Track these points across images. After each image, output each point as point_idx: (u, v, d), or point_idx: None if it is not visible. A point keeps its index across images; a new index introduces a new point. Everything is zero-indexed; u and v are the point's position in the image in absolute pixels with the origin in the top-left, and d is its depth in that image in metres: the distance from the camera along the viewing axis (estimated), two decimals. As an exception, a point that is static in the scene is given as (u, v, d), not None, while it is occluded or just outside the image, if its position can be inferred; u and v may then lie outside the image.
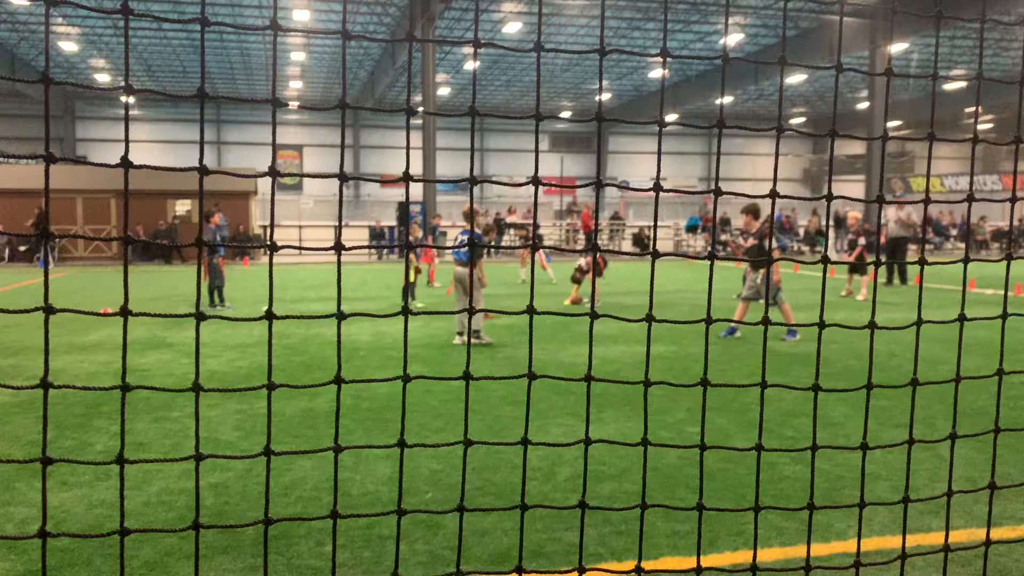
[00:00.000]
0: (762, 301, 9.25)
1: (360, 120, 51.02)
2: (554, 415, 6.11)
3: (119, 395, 6.68)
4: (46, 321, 1.97)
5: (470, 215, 2.08)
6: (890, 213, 17.08)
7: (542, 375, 2.30)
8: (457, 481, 4.51)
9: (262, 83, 46.08)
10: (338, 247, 2.14)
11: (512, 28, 32.92)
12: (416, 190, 31.95)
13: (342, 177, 2.19)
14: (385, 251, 31.87)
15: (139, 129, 47.95)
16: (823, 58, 32.28)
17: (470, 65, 39.76)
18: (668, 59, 2.35)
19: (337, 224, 2.17)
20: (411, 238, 28.57)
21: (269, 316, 2.09)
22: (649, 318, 2.35)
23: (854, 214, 16.32)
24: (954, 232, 36.39)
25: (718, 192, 2.43)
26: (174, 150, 47.60)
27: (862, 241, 14.69)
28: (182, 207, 29.04)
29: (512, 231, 34.36)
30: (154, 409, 6.17)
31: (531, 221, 31.44)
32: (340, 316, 2.14)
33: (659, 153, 2.43)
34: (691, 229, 34.29)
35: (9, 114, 44.90)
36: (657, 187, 2.35)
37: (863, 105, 35.40)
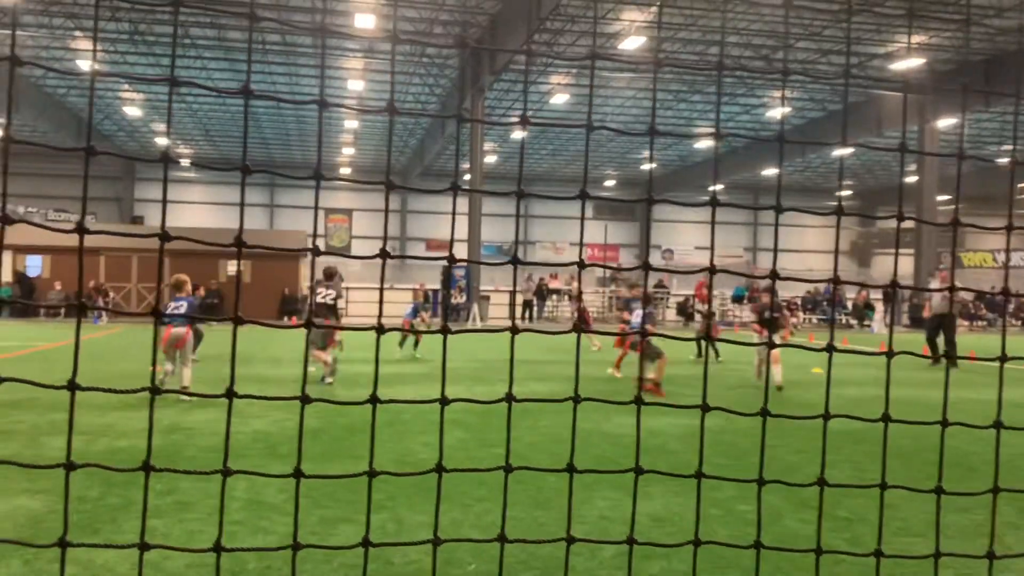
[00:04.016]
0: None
1: (408, 185, 51.95)
2: (598, 488, 6.00)
3: (168, 451, 6.74)
4: (72, 400, 2.00)
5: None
6: (933, 287, 16.60)
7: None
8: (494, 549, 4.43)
9: (315, 149, 47.28)
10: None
11: (559, 100, 33.53)
12: (460, 253, 32.21)
13: (384, 255, 2.22)
14: (429, 313, 32.04)
15: (194, 190, 49.35)
16: (872, 133, 32.23)
17: (517, 135, 40.46)
18: (720, 138, 2.36)
19: (380, 295, 2.19)
20: (452, 302, 28.54)
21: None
22: (703, 406, 2.32)
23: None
24: (1011, 306, 35.52)
25: (714, 271, 2.41)
26: (226, 211, 48.83)
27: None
28: (232, 267, 29.66)
29: (555, 296, 34.39)
30: (199, 466, 6.19)
31: (573, 287, 31.37)
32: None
33: (711, 240, 2.43)
34: (737, 299, 34.04)
35: (73, 174, 46.62)
36: (712, 268, 2.34)
37: (912, 179, 35.17)
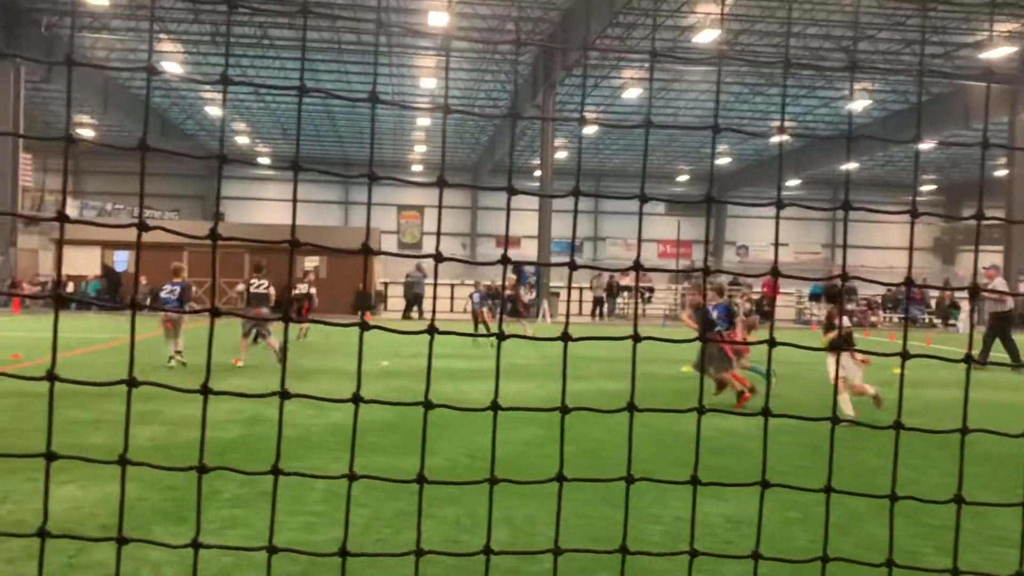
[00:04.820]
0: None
1: (479, 182, 52.24)
2: (672, 488, 5.93)
3: (249, 442, 6.93)
4: (128, 394, 2.06)
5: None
6: (1000, 283, 15.88)
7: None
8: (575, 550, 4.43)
9: (389, 146, 47.96)
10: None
11: (632, 94, 33.23)
12: (530, 250, 32.23)
13: (437, 258, 2.22)
14: (499, 310, 32.25)
15: (274, 188, 50.55)
16: (958, 125, 31.04)
17: (588, 130, 40.27)
18: (785, 135, 2.30)
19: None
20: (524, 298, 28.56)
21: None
22: (766, 411, 2.26)
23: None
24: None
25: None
26: (306, 208, 49.88)
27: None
28: (311, 263, 30.31)
29: (626, 293, 34.13)
30: (282, 459, 6.35)
31: (645, 284, 31.03)
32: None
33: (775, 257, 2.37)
34: (815, 297, 33.24)
35: (158, 172, 48.29)
36: (775, 273, 2.28)
37: (1001, 172, 33.71)
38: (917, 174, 2.60)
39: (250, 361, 13.00)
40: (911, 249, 2.28)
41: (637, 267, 2.15)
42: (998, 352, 15.09)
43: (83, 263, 29.17)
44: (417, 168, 51.48)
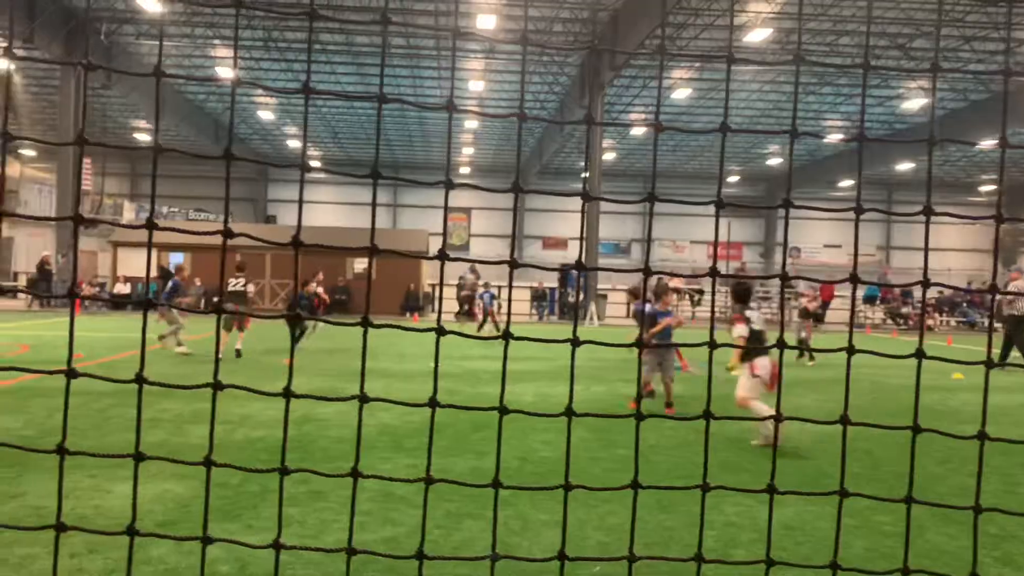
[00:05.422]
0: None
1: (526, 184, 52.17)
2: (727, 494, 5.85)
3: (303, 442, 7.00)
4: (139, 393, 2.08)
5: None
6: (1021, 285, 15.58)
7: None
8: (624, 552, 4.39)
9: (437, 149, 48.25)
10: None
11: (681, 94, 32.94)
12: (577, 252, 31.99)
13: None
14: (546, 311, 32.19)
15: (322, 191, 51.17)
16: (1021, 123, 30.17)
17: (636, 131, 40.01)
18: (797, 136, 2.24)
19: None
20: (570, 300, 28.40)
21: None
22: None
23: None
24: None
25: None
26: (353, 211, 50.41)
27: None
28: (360, 265, 30.62)
29: (675, 296, 33.82)
30: (332, 459, 6.42)
31: (694, 286, 30.69)
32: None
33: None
34: (869, 300, 32.55)
35: (212, 176, 49.24)
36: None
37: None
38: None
39: (298, 362, 13.19)
40: (924, 248, 2.21)
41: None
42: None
43: (140, 265, 29.87)
44: (464, 170, 51.69)
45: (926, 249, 2.45)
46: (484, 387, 10.82)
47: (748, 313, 7.68)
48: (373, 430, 7.78)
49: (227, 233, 1.91)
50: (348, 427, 7.93)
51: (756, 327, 7.63)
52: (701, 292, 32.56)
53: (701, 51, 28.66)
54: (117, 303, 28.03)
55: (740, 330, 7.55)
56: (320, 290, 16.69)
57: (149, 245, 2.08)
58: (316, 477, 5.78)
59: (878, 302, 32.46)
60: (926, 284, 2.33)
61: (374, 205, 2.37)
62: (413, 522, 4.84)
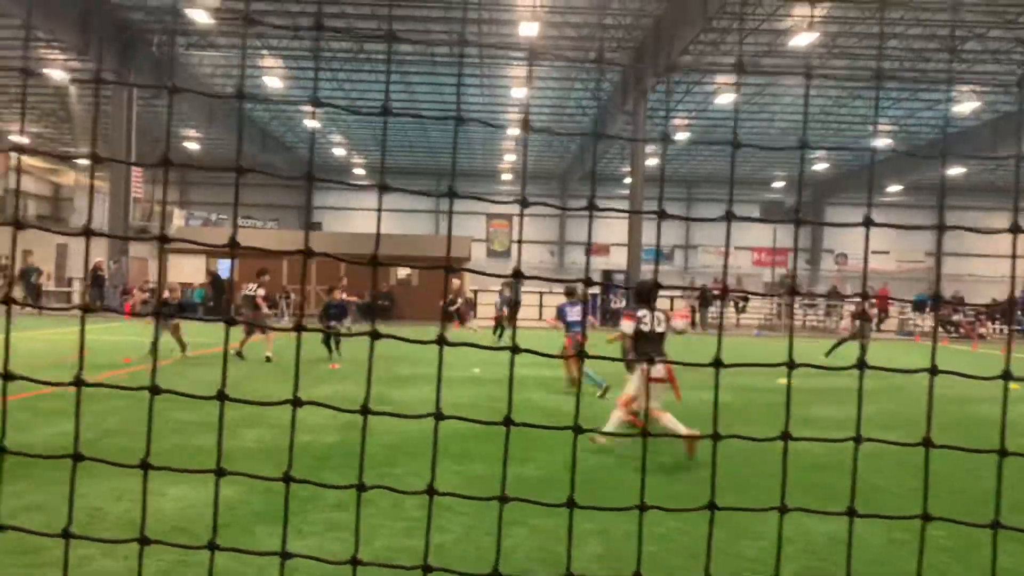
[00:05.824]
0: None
1: (568, 191, 52.16)
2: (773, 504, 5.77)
3: (348, 447, 7.08)
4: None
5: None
6: None
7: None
8: (671, 564, 4.37)
9: (480, 156, 48.45)
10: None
11: (725, 100, 32.68)
12: (620, 258, 31.88)
13: (448, 268, 2.22)
14: (588, 317, 32.09)
15: (366, 197, 51.64)
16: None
17: (679, 136, 39.76)
18: (806, 148, 2.20)
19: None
20: (612, 307, 28.18)
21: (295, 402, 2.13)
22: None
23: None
24: None
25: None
26: (397, 217, 50.79)
27: None
28: (403, 271, 30.84)
29: (719, 302, 33.48)
30: (378, 464, 6.48)
31: (739, 293, 30.49)
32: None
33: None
34: (919, 307, 31.89)
35: (259, 184, 50.02)
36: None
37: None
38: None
39: (345, 369, 13.34)
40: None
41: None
42: None
43: (189, 271, 30.43)
44: (506, 177, 51.83)
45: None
46: (528, 392, 10.82)
47: (641, 313, 7.57)
48: (419, 435, 7.83)
49: (234, 244, 1.94)
50: (394, 434, 7.99)
51: (658, 328, 7.46)
52: (746, 299, 32.20)
53: (745, 56, 28.39)
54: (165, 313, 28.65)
55: (626, 326, 7.56)
56: (345, 295, 17.02)
57: (161, 257, 2.13)
58: (366, 481, 5.85)
59: (928, 309, 31.76)
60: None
61: (379, 209, 2.39)
62: (461, 530, 4.87)
